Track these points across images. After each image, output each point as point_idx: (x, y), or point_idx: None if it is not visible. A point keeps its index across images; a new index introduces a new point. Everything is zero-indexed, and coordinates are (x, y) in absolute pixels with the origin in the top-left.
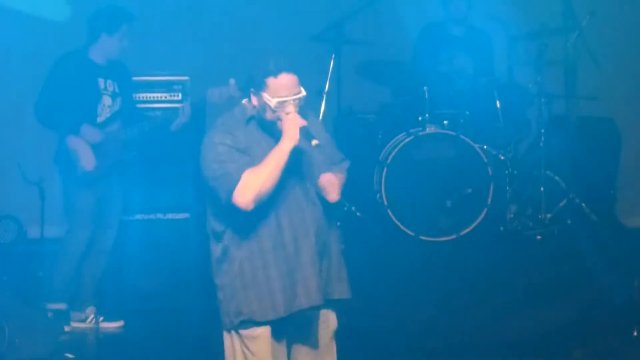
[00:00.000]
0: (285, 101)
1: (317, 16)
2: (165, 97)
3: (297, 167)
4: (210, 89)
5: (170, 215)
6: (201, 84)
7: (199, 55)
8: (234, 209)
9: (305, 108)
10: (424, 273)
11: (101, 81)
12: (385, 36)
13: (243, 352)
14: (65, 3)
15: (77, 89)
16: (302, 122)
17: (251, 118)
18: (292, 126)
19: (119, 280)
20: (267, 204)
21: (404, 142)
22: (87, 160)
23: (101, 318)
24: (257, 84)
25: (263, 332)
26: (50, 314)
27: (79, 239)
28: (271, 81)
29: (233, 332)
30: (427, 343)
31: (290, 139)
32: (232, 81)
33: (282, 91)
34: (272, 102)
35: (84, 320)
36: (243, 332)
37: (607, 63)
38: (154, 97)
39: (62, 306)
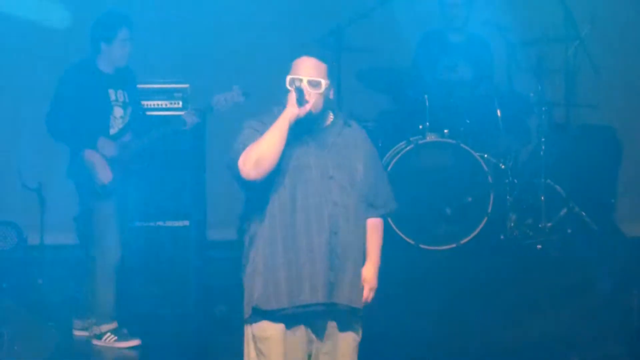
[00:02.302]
0: (299, 79)
1: (318, 23)
2: (166, 104)
3: (321, 164)
4: (215, 96)
5: (169, 223)
6: (201, 91)
7: (200, 63)
8: (249, 192)
9: (361, 139)
10: (423, 282)
11: (112, 92)
12: (385, 44)
13: (256, 350)
14: (66, 9)
15: (89, 102)
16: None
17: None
18: (292, 94)
19: (118, 287)
20: (287, 196)
21: (404, 150)
22: (105, 174)
23: (125, 330)
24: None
25: (274, 335)
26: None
27: (111, 250)
28: (294, 63)
29: (249, 328)
30: (427, 351)
31: (289, 106)
32: (235, 87)
33: (299, 71)
34: (287, 80)
35: (87, 329)
36: (255, 331)
37: (607, 71)
38: (154, 105)
39: (114, 325)
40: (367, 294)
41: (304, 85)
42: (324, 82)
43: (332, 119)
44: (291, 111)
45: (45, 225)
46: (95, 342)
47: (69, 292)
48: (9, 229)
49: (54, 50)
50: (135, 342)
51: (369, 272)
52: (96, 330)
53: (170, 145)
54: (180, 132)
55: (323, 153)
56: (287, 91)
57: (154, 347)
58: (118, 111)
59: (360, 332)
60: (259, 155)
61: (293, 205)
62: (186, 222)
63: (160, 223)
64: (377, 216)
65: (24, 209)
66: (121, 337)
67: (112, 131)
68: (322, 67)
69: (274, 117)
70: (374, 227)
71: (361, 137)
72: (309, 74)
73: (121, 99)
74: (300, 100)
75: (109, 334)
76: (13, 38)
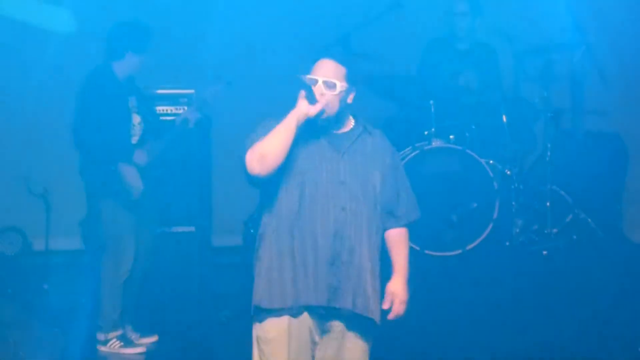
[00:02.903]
0: (314, 80)
1: (325, 30)
2: (171, 110)
3: (334, 168)
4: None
5: (175, 229)
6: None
7: (205, 68)
8: (255, 184)
9: (383, 148)
10: (429, 288)
11: (130, 99)
12: (391, 50)
13: (259, 351)
14: (72, 15)
15: (114, 112)
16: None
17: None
18: (302, 93)
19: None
20: (295, 197)
21: (409, 156)
22: (139, 186)
23: (137, 335)
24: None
25: (277, 337)
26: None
27: (126, 261)
28: (314, 65)
29: (254, 329)
30: (433, 357)
31: (298, 105)
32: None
33: (316, 72)
34: (305, 78)
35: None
36: (259, 332)
37: (613, 78)
38: (160, 111)
39: (120, 332)
40: (398, 307)
41: (319, 85)
42: (339, 84)
43: (352, 126)
44: (300, 109)
45: (51, 231)
46: (100, 347)
47: (74, 298)
48: (14, 234)
49: (60, 56)
50: (140, 349)
51: (396, 286)
52: (101, 336)
53: (176, 152)
54: (188, 135)
55: (337, 157)
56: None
57: (159, 352)
58: (136, 118)
59: (370, 343)
60: (264, 150)
61: (301, 205)
62: (192, 228)
63: (166, 228)
64: (399, 226)
65: (30, 214)
66: (127, 344)
67: (135, 139)
68: (341, 69)
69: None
70: (398, 238)
71: (383, 146)
72: (325, 75)
73: (135, 105)
74: (310, 98)
75: (114, 339)
76: (20, 44)
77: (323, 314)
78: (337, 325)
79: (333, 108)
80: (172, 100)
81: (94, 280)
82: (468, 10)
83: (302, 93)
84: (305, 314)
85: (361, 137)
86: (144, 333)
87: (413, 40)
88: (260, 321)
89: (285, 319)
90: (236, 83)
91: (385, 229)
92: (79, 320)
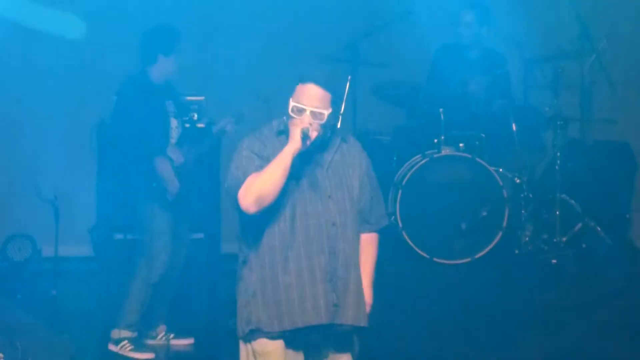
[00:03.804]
0: (303, 109)
1: (333, 37)
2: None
3: (320, 184)
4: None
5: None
6: (217, 104)
7: (215, 76)
8: (246, 215)
9: (357, 153)
10: (438, 296)
11: (167, 103)
12: (400, 58)
13: None
14: (81, 20)
15: (151, 116)
16: (305, 125)
17: (281, 132)
18: (296, 130)
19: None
20: (286, 217)
21: (419, 164)
22: (175, 184)
23: (171, 335)
24: (292, 90)
25: (275, 350)
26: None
27: (161, 264)
28: (299, 87)
29: (248, 344)
30: None
31: (292, 142)
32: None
33: (303, 99)
34: (290, 105)
35: (154, 338)
36: (255, 346)
37: (623, 87)
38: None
39: (134, 334)
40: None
41: (307, 116)
42: (326, 113)
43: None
44: (294, 147)
45: (60, 237)
46: (111, 346)
47: (82, 305)
48: (24, 240)
49: (71, 63)
50: (149, 355)
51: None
52: (115, 333)
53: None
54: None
55: (322, 172)
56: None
57: (167, 359)
58: (173, 122)
59: (357, 349)
60: (261, 192)
61: (292, 225)
62: (201, 235)
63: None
64: (371, 231)
65: (39, 220)
66: (137, 348)
67: (172, 142)
68: (327, 96)
69: (273, 136)
70: (368, 242)
71: (357, 151)
72: (313, 104)
73: (172, 110)
74: (305, 140)
75: (126, 341)
76: (30, 50)
77: (321, 331)
78: (332, 338)
79: (320, 135)
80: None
81: (103, 287)
82: (474, 20)
83: (296, 131)
84: (302, 334)
85: (339, 147)
86: (179, 334)
87: (422, 48)
88: (255, 339)
89: (281, 341)
90: (244, 91)
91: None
92: (87, 327)
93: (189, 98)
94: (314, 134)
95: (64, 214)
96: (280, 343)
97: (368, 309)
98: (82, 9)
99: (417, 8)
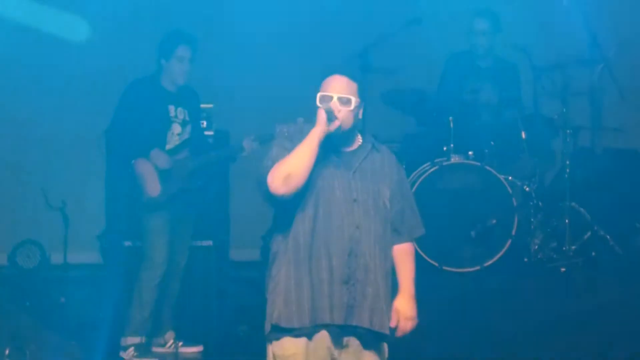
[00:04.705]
0: (329, 97)
1: (343, 45)
2: None
3: (346, 187)
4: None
5: (194, 243)
6: (226, 111)
7: (224, 84)
8: (278, 209)
9: (389, 165)
10: (447, 304)
11: (172, 108)
12: (410, 65)
13: None
14: (86, 24)
15: (146, 115)
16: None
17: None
18: (321, 112)
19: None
20: (310, 216)
21: (428, 172)
22: (152, 187)
23: (180, 343)
24: (320, 87)
25: (296, 354)
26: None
27: (156, 265)
28: (325, 80)
29: (270, 347)
30: None
31: (318, 124)
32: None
33: (328, 88)
34: (317, 98)
35: (163, 345)
36: (276, 350)
37: (633, 95)
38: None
39: (142, 340)
40: (404, 324)
41: (334, 102)
42: (354, 100)
43: (360, 143)
44: (320, 126)
45: (69, 244)
46: (121, 353)
47: (91, 312)
48: (33, 247)
49: (79, 69)
50: None
51: (402, 302)
52: (124, 341)
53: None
54: (207, 150)
55: (348, 175)
56: (316, 108)
57: None
58: (176, 128)
59: (386, 355)
60: (289, 171)
61: (315, 225)
62: (210, 242)
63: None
64: (404, 242)
65: (48, 227)
66: (142, 354)
67: (168, 146)
68: (353, 85)
69: (300, 131)
70: (403, 254)
71: (390, 162)
72: (339, 92)
73: (181, 117)
74: (330, 118)
75: (132, 348)
76: (38, 57)
77: (339, 332)
78: (353, 341)
79: (348, 123)
80: None
81: (112, 294)
82: (488, 28)
83: (322, 113)
84: (323, 332)
85: (370, 154)
86: (188, 342)
87: (431, 56)
88: (278, 339)
89: (303, 339)
90: (253, 99)
91: (391, 245)
92: (96, 334)
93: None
94: (340, 116)
95: (72, 221)
96: (301, 346)
97: (411, 323)
98: (89, 12)
99: (426, 16)
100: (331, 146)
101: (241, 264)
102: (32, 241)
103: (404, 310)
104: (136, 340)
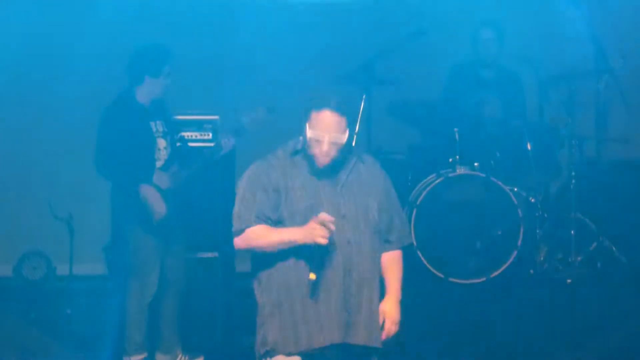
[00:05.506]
0: (320, 139)
1: (348, 57)
2: (196, 135)
3: (335, 203)
4: (242, 117)
5: (198, 254)
6: (232, 123)
7: (230, 95)
8: None
9: (375, 174)
10: (453, 315)
11: (152, 124)
12: (415, 77)
13: None
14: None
15: (134, 137)
16: (328, 231)
17: (296, 152)
18: (316, 227)
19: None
20: None
21: (434, 183)
22: (161, 209)
23: (186, 357)
24: (304, 114)
25: None
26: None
27: (151, 284)
28: (313, 114)
29: None
30: None
31: (306, 235)
32: (259, 108)
33: (320, 128)
34: (308, 134)
35: None
36: None
37: (638, 106)
38: (184, 136)
39: (143, 356)
40: (389, 327)
41: (326, 141)
42: (344, 137)
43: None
44: (307, 240)
45: (75, 256)
46: None
47: (97, 324)
48: (39, 259)
49: (84, 81)
50: None
51: (389, 305)
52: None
53: (199, 177)
54: (214, 161)
55: (336, 191)
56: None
57: None
58: (161, 142)
59: None
60: (256, 248)
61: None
62: (215, 254)
63: (189, 254)
64: (392, 250)
65: (54, 239)
66: None
67: (159, 163)
68: (343, 121)
69: (287, 157)
70: (391, 260)
71: (375, 172)
72: (330, 133)
73: (161, 130)
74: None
75: None
76: (43, 70)
77: (335, 352)
78: (348, 357)
79: (337, 158)
80: (197, 126)
81: (119, 306)
82: (494, 36)
83: (317, 228)
84: (318, 353)
85: (355, 167)
86: (193, 354)
87: (436, 67)
88: (272, 357)
89: (297, 358)
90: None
91: (380, 254)
92: (102, 346)
93: (203, 117)
94: (327, 159)
95: (78, 232)
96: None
97: (395, 327)
98: (97, 28)
99: (431, 28)
100: (317, 168)
101: (247, 275)
102: (37, 252)
103: (390, 314)
104: (138, 357)
